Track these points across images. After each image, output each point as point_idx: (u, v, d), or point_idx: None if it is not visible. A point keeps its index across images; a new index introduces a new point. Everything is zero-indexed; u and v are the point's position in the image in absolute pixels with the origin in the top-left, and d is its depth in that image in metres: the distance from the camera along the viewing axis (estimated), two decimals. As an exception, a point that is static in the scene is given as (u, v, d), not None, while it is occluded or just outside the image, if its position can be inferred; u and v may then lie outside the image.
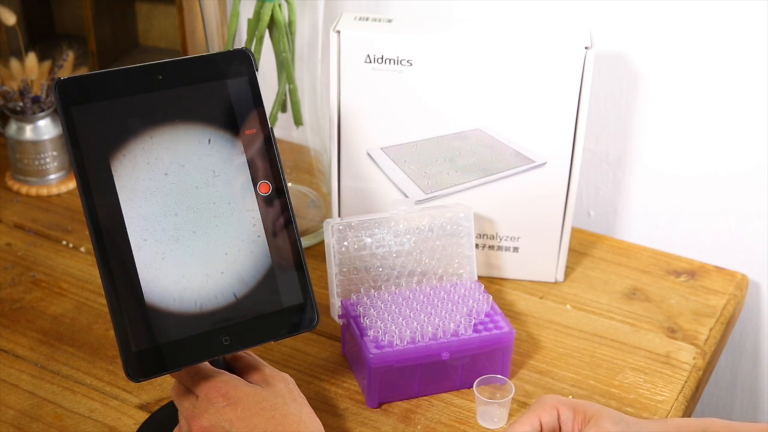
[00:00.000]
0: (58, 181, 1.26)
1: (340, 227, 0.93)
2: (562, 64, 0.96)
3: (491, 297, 0.94)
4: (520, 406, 0.90)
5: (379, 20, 0.99)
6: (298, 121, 1.10)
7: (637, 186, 1.20)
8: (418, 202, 1.03)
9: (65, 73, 1.23)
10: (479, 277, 1.07)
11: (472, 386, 0.89)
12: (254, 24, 1.04)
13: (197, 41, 1.24)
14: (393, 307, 0.91)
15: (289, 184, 1.18)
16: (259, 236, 0.75)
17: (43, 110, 1.23)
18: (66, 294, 1.04)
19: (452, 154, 1.02)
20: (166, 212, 0.71)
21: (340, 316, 0.93)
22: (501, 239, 1.06)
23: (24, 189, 1.24)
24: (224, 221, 0.73)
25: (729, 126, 1.11)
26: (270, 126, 0.76)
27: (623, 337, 1.00)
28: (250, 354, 0.78)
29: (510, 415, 0.88)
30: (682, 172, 1.16)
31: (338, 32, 0.97)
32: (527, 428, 0.76)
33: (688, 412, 0.93)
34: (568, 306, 1.04)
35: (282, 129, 1.11)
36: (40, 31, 1.43)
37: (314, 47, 1.10)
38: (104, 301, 0.70)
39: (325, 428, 0.75)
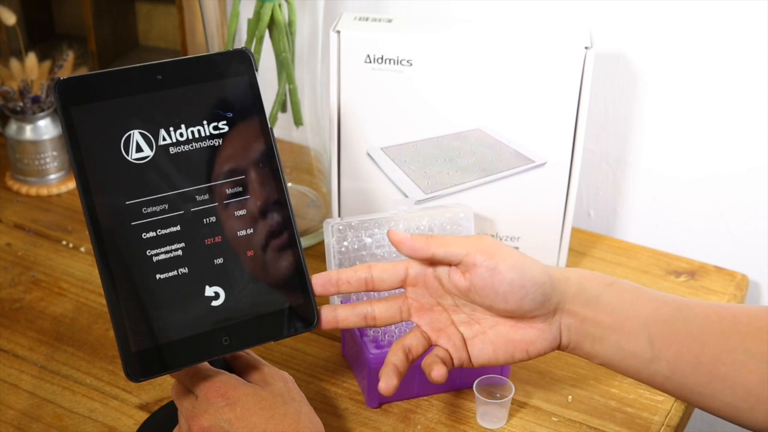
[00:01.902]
0: (58, 181, 1.26)
1: (340, 227, 0.93)
2: (562, 64, 0.96)
3: (491, 297, 0.94)
4: (520, 406, 0.90)
5: (379, 20, 1.00)
6: (298, 121, 1.10)
7: (637, 186, 1.20)
8: (418, 202, 1.03)
9: (65, 73, 1.24)
10: (479, 277, 1.07)
11: (472, 386, 0.89)
12: (254, 24, 1.04)
13: (197, 41, 1.24)
14: (393, 307, 0.91)
15: (289, 184, 1.18)
16: (259, 236, 0.75)
17: (43, 110, 1.23)
18: (66, 294, 1.04)
19: (452, 154, 1.02)
20: (166, 212, 0.71)
21: (340, 316, 0.93)
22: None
23: (24, 189, 1.24)
24: (224, 221, 0.73)
25: (729, 126, 1.11)
26: (270, 126, 0.76)
27: (623, 337, 1.00)
28: (249, 353, 0.78)
29: (510, 415, 0.88)
30: (682, 172, 1.16)
31: (338, 32, 0.97)
32: (388, 273, 0.76)
33: (688, 412, 0.93)
34: (568, 306, 1.04)
35: (282, 129, 1.11)
36: (40, 31, 1.43)
37: (314, 47, 1.10)
38: (104, 301, 0.70)
39: (325, 428, 0.75)
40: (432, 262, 0.75)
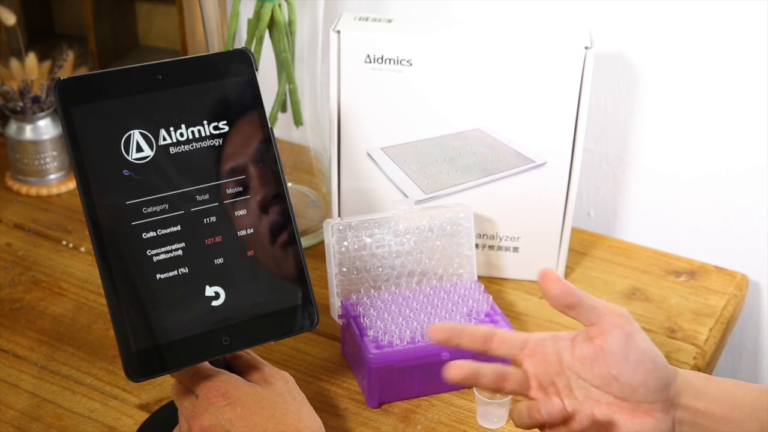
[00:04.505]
0: (58, 181, 1.26)
1: (340, 227, 0.93)
2: (562, 64, 0.96)
3: (491, 297, 0.94)
4: (520, 406, 0.90)
5: (379, 20, 1.00)
6: (298, 121, 1.10)
7: (637, 186, 1.20)
8: (418, 202, 1.03)
9: (65, 73, 1.24)
10: (479, 277, 1.07)
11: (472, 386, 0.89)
12: (254, 24, 1.04)
13: (197, 41, 1.24)
14: (393, 307, 0.91)
15: (289, 184, 1.18)
16: (259, 236, 0.75)
17: (43, 110, 1.23)
18: (66, 294, 1.04)
19: (452, 154, 1.02)
20: (167, 211, 0.71)
21: (340, 316, 0.93)
22: (501, 239, 1.06)
23: (24, 189, 1.24)
24: (224, 221, 0.73)
25: (729, 126, 1.11)
26: (270, 126, 0.76)
27: (623, 337, 1.00)
28: (249, 353, 0.78)
29: (510, 415, 0.88)
30: (681, 172, 1.16)
31: (338, 32, 0.97)
32: (509, 337, 0.72)
33: (688, 412, 0.93)
34: (568, 306, 1.04)
35: (282, 129, 1.11)
36: (40, 31, 1.43)
37: (314, 47, 1.10)
38: (104, 301, 0.70)
39: (325, 428, 0.75)
40: (574, 309, 0.70)
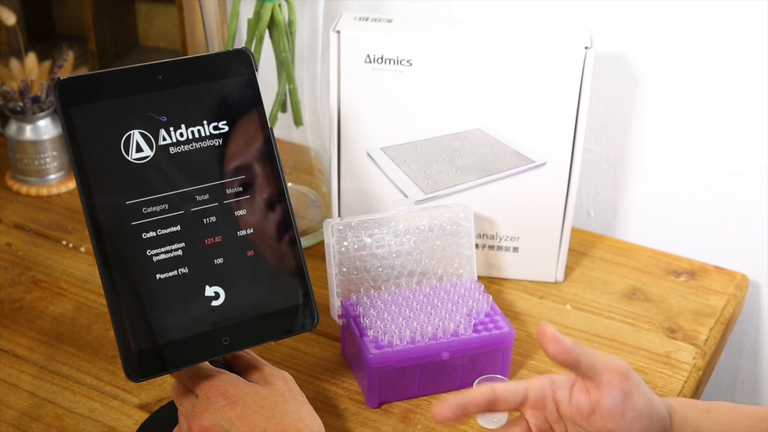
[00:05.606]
0: (58, 181, 1.26)
1: (340, 227, 0.93)
2: (562, 64, 0.96)
3: (491, 297, 0.94)
4: (520, 406, 0.90)
5: (379, 20, 1.00)
6: (298, 121, 1.10)
7: (637, 186, 1.20)
8: (418, 202, 1.03)
9: (65, 73, 1.24)
10: (479, 277, 1.07)
11: (471, 386, 0.89)
12: (254, 24, 1.04)
13: (197, 41, 1.24)
14: (393, 307, 0.91)
15: (289, 184, 1.18)
16: (259, 236, 0.75)
17: (43, 110, 1.23)
18: (66, 294, 1.04)
19: (452, 154, 1.02)
20: (166, 211, 0.71)
21: (340, 316, 0.93)
22: (501, 239, 1.06)
23: (24, 189, 1.24)
24: (224, 221, 0.73)
25: (729, 126, 1.11)
26: (270, 126, 0.76)
27: (623, 337, 1.00)
28: (249, 353, 0.78)
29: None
30: (681, 172, 1.16)
31: (338, 32, 0.97)
32: (510, 394, 0.73)
33: (688, 412, 0.93)
34: (568, 306, 1.04)
35: (282, 129, 1.11)
36: (40, 31, 1.43)
37: (314, 47, 1.10)
38: (104, 301, 0.70)
39: (325, 428, 0.75)
40: (573, 367, 0.71)
